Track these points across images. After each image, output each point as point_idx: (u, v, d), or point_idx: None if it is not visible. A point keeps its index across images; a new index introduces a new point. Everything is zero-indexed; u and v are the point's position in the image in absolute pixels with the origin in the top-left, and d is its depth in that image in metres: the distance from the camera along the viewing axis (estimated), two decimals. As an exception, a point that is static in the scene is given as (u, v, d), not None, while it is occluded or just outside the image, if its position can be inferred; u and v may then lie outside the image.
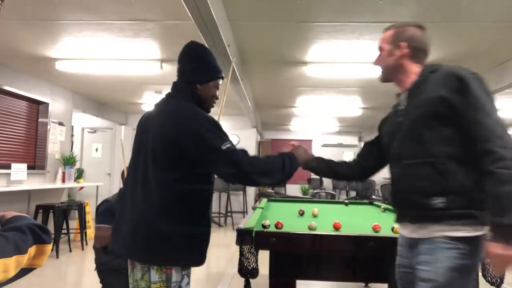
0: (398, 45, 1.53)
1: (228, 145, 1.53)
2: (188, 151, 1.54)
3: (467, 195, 1.33)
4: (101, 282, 2.64)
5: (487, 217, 1.27)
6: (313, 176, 11.15)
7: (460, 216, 1.31)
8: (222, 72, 1.77)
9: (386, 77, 1.63)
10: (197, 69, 1.70)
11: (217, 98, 1.76)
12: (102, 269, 2.59)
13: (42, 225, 0.94)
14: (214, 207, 8.31)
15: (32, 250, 0.86)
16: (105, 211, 2.56)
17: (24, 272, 0.87)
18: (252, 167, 1.56)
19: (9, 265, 0.79)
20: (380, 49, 1.60)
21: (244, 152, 1.58)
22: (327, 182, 11.09)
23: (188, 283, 1.64)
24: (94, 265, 2.72)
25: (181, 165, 1.54)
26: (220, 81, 1.76)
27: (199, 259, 1.63)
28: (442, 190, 1.34)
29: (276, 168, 1.62)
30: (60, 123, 6.45)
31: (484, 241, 1.28)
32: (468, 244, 1.30)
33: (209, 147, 1.52)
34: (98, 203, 2.80)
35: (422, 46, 1.54)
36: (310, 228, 2.11)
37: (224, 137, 1.56)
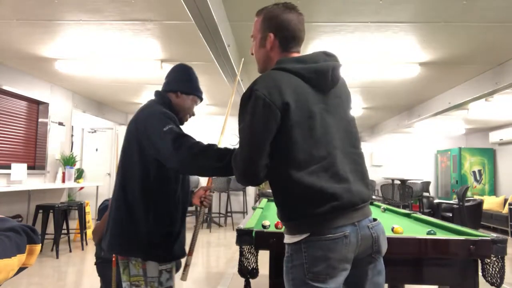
0: (266, 35, 1.43)
1: (170, 126, 1.60)
2: (142, 141, 1.66)
3: (285, 207, 1.36)
4: (99, 275, 2.68)
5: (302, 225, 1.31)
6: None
7: (286, 225, 1.37)
8: (201, 94, 1.94)
9: (262, 71, 1.49)
10: (182, 80, 1.89)
11: (192, 115, 1.93)
12: (100, 262, 2.64)
13: (31, 226, 0.96)
14: (214, 207, 8.33)
15: (26, 249, 0.89)
16: (105, 208, 2.63)
17: (18, 271, 0.90)
18: (185, 148, 1.55)
19: (14, 264, 0.82)
20: (253, 37, 1.50)
21: (184, 135, 1.60)
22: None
23: (170, 279, 1.70)
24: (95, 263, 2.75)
25: (140, 162, 1.67)
26: (198, 102, 1.94)
27: (161, 254, 1.68)
28: (278, 202, 1.39)
29: (212, 157, 1.56)
30: (60, 123, 6.45)
31: (309, 246, 1.28)
32: (291, 249, 1.33)
33: (151, 130, 1.63)
34: (98, 203, 2.83)
35: (291, 34, 1.41)
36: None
37: (168, 121, 1.63)
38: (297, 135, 1.29)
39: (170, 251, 1.71)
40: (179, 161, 1.56)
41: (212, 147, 1.60)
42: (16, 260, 0.84)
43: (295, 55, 1.44)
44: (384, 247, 1.39)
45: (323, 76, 1.37)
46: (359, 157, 1.41)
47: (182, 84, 1.88)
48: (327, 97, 1.38)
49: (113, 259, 2.32)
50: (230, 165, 1.43)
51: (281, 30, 1.41)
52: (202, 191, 1.99)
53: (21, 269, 0.91)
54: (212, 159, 1.56)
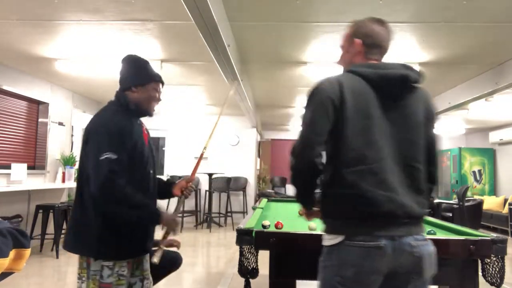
0: (353, 41, 1.50)
1: (107, 156, 1.64)
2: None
3: (326, 203, 1.39)
4: None
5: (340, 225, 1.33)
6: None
7: (324, 223, 1.40)
8: (158, 78, 1.93)
9: None
10: (133, 73, 1.90)
11: (158, 100, 1.94)
12: None
13: (21, 229, 0.91)
14: (214, 207, 8.32)
15: (12, 254, 0.85)
16: None
17: (3, 276, 0.85)
18: (106, 190, 1.63)
19: None
20: (341, 47, 1.58)
21: (113, 174, 1.64)
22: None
23: (111, 276, 1.74)
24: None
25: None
26: (160, 86, 1.95)
27: (111, 254, 1.73)
28: (321, 197, 1.42)
29: (127, 212, 1.68)
30: (60, 123, 6.45)
31: (341, 249, 1.30)
32: (326, 249, 1.36)
33: (89, 152, 1.70)
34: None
35: (377, 42, 1.48)
36: (310, 228, 2.11)
37: (107, 148, 1.66)
38: (349, 132, 1.32)
39: (122, 250, 1.76)
40: (97, 203, 1.68)
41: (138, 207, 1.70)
42: None
43: (374, 62, 1.47)
44: (429, 271, 1.32)
45: (389, 82, 1.38)
46: (418, 172, 1.36)
47: (135, 78, 1.89)
48: (395, 106, 1.38)
49: None
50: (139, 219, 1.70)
51: (367, 37, 1.48)
52: (184, 182, 2.05)
53: (6, 274, 0.86)
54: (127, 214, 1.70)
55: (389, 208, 1.27)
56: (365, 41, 1.48)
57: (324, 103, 1.34)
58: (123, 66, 1.95)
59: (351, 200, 1.29)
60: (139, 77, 1.89)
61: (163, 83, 1.97)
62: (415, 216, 1.32)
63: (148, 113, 1.92)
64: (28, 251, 0.89)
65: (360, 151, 1.31)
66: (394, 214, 1.28)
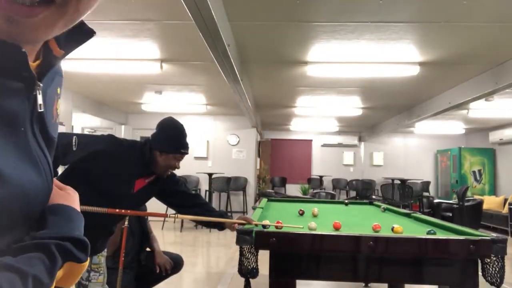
0: None
1: (74, 136, 2.00)
2: None
3: None
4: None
5: None
6: (313, 176, 11.16)
7: None
8: (184, 151, 2.11)
9: None
10: (162, 141, 2.09)
11: (176, 168, 2.12)
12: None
13: (80, 238, 0.60)
14: (214, 207, 8.33)
15: (60, 272, 0.55)
16: None
17: None
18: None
19: None
20: None
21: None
22: (327, 182, 11.10)
23: None
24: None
25: None
26: (183, 156, 2.14)
27: None
28: None
29: None
30: (60, 123, 6.44)
31: None
32: None
33: None
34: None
35: None
36: (310, 228, 2.11)
37: (80, 139, 2.01)
38: None
39: None
40: None
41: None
42: None
43: None
44: None
45: None
46: None
47: (162, 145, 2.07)
48: None
49: (120, 266, 2.34)
50: None
51: None
52: (245, 221, 2.15)
53: None
54: None
55: None
56: None
57: None
58: (159, 127, 2.14)
59: None
60: (166, 146, 2.08)
61: (187, 153, 2.18)
62: None
63: (161, 176, 2.15)
64: (81, 266, 0.60)
65: None
66: None
